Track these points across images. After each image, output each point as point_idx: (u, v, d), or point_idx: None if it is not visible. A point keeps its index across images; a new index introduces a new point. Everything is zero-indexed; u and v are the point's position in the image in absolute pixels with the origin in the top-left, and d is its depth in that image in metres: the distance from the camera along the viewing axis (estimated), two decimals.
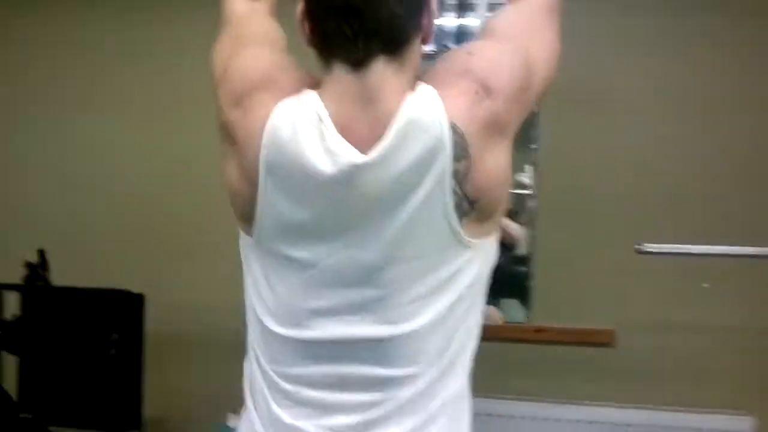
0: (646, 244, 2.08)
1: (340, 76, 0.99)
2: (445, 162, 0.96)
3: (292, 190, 0.99)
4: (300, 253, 1.01)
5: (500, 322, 2.60)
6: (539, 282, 2.61)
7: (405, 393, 1.00)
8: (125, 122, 2.93)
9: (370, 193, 0.97)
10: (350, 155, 0.96)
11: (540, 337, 2.57)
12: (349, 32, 0.95)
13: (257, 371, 1.09)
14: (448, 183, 0.97)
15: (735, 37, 2.53)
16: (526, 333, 2.58)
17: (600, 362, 2.58)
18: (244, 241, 1.09)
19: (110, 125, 2.93)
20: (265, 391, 1.06)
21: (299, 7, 1.03)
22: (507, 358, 2.50)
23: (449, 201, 0.97)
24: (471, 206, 0.99)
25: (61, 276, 2.61)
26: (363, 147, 0.97)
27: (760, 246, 2.05)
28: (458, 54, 1.06)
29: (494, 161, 1.00)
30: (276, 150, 0.99)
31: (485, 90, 0.99)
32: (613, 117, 2.57)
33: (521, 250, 2.60)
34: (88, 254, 2.85)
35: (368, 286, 0.99)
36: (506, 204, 1.07)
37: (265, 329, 1.06)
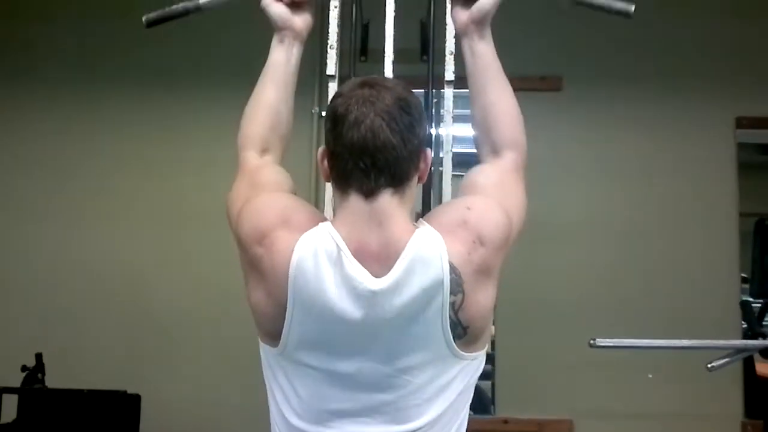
0: (598, 339, 2.38)
1: (355, 203, 1.19)
2: (444, 294, 1.16)
3: (316, 315, 1.17)
4: (322, 363, 1.19)
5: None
6: (502, 379, 2.91)
7: None
8: (121, 229, 3.14)
9: (383, 315, 1.16)
10: (367, 281, 1.15)
11: (506, 428, 2.83)
12: (363, 168, 1.17)
13: None
14: (446, 311, 1.17)
15: (670, 159, 3.01)
16: (494, 425, 2.84)
17: None
18: (268, 352, 1.25)
19: (107, 232, 3.13)
20: None
21: (320, 150, 1.25)
22: None
23: (447, 325, 1.18)
24: (464, 331, 1.20)
25: (57, 379, 2.73)
26: (374, 265, 1.16)
27: (695, 338, 2.38)
28: (458, 206, 1.28)
29: (483, 297, 1.21)
30: (303, 285, 1.16)
31: (480, 241, 1.20)
32: (556, 240, 2.96)
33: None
34: (83, 357, 2.99)
35: (381, 392, 1.19)
36: (491, 327, 1.31)
37: (291, 426, 1.23)
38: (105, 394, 2.66)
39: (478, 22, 1.39)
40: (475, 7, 1.39)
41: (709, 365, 2.33)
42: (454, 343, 1.19)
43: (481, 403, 2.91)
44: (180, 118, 3.14)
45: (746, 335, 2.72)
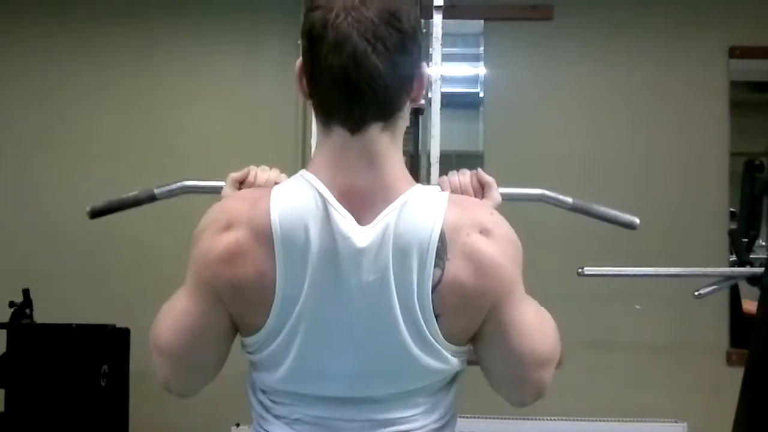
0: (586, 268, 2.38)
1: (340, 139, 1.04)
2: (425, 259, 1.01)
3: (305, 278, 1.02)
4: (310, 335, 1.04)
5: None
6: None
7: None
8: (109, 163, 3.10)
9: (367, 271, 1.01)
10: (351, 234, 1.00)
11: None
12: (346, 101, 1.01)
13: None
14: (424, 281, 1.01)
15: (662, 91, 2.98)
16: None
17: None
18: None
19: (93, 166, 3.10)
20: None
21: (298, 64, 1.07)
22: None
23: (423, 295, 1.01)
24: (436, 317, 1.03)
25: (46, 315, 2.73)
26: (360, 210, 1.02)
27: (680, 266, 2.40)
28: (484, 207, 1.13)
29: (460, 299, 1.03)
30: (289, 239, 1.01)
31: (483, 231, 1.04)
32: (544, 171, 2.95)
33: None
34: (71, 292, 2.99)
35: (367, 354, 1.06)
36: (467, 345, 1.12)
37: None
38: (94, 328, 2.66)
39: None
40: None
41: (696, 292, 2.34)
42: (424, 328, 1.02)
43: None
44: (161, 55, 3.09)
45: (733, 266, 2.74)
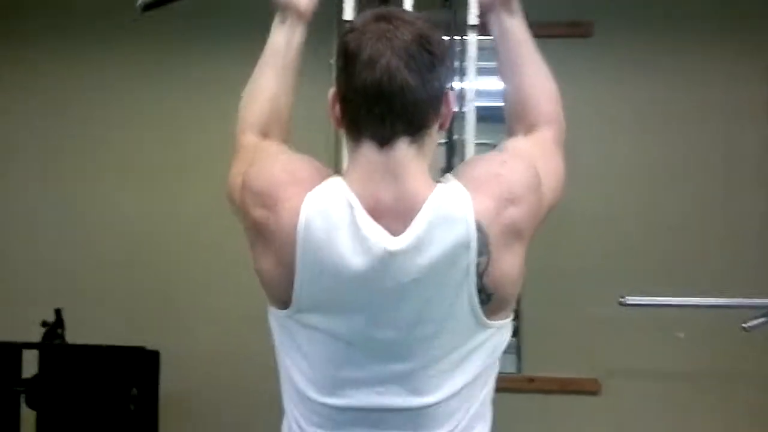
0: (627, 297, 2.29)
1: (368, 153, 1.08)
2: (470, 256, 1.05)
3: (329, 278, 1.07)
4: (333, 327, 1.09)
5: None
6: (527, 335, 2.82)
7: None
8: (138, 183, 3.09)
9: (401, 278, 1.05)
10: (383, 241, 1.04)
11: (531, 386, 2.77)
12: (378, 114, 1.06)
13: None
14: (472, 274, 1.06)
15: (704, 109, 2.87)
16: (519, 383, 2.77)
17: (586, 409, 2.79)
18: (276, 315, 1.15)
19: (124, 186, 3.09)
20: None
21: (331, 92, 1.12)
22: (496, 407, 2.67)
23: (473, 289, 1.07)
24: (488, 297, 1.09)
25: (76, 334, 2.71)
26: (391, 222, 1.06)
27: (729, 295, 2.29)
28: (491, 159, 1.18)
29: (510, 261, 1.10)
30: (312, 245, 1.06)
31: (512, 198, 1.09)
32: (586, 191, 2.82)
33: None
34: (103, 311, 2.97)
35: (397, 360, 1.09)
36: (518, 295, 1.18)
37: (302, 394, 1.14)
38: (124, 350, 2.64)
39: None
40: None
41: (744, 325, 2.23)
42: (480, 310, 1.09)
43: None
44: (183, 69, 3.05)
45: None
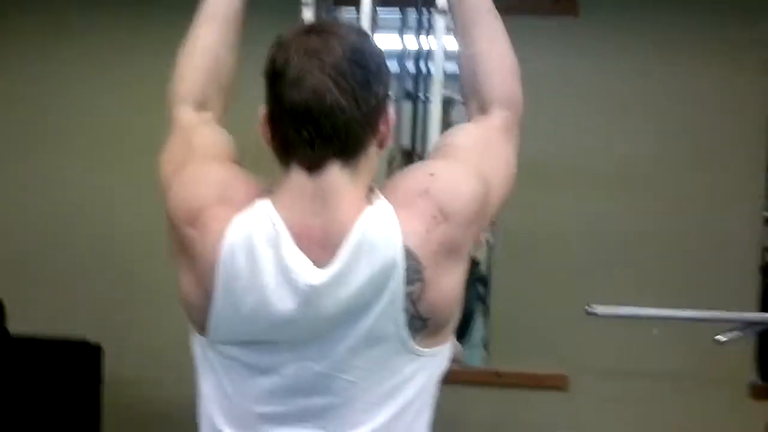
0: (595, 306, 2.17)
1: (297, 178, 1.01)
2: (397, 283, 0.98)
3: (249, 310, 1.00)
4: (252, 359, 1.03)
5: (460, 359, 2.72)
6: (496, 330, 2.74)
7: None
8: (78, 166, 2.91)
9: (324, 311, 0.99)
10: (307, 274, 0.98)
11: (499, 381, 2.71)
12: (306, 137, 0.98)
13: None
14: (400, 303, 0.99)
15: (695, 99, 2.68)
16: (486, 377, 2.71)
17: (553, 404, 2.72)
18: (197, 339, 1.08)
19: (64, 165, 2.91)
20: None
21: (261, 112, 1.05)
22: (464, 401, 2.62)
23: (401, 319, 1.00)
24: (424, 323, 1.01)
25: (17, 323, 2.61)
26: (319, 252, 0.99)
27: (705, 305, 2.18)
28: (419, 173, 1.08)
29: (448, 282, 1.02)
30: (233, 274, 1.00)
31: (443, 214, 1.01)
32: (563, 182, 2.71)
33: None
34: (44, 301, 2.83)
35: (320, 394, 1.02)
36: (458, 316, 1.10)
37: (215, 429, 1.08)
38: (66, 344, 2.56)
39: None
40: None
41: (717, 337, 2.13)
42: (410, 339, 1.01)
43: None
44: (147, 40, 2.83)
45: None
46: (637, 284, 2.58)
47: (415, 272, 0.99)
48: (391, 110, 1.06)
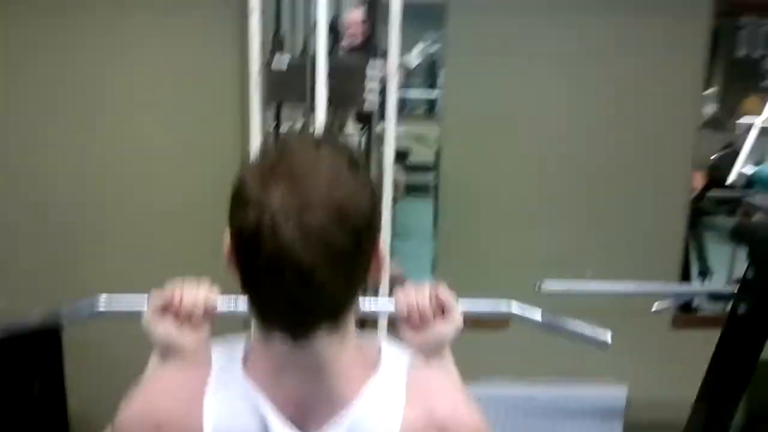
0: (546, 282, 2.27)
1: (280, 348, 0.91)
2: None
3: None
4: None
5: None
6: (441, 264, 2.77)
7: None
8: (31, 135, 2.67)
9: None
10: None
11: None
12: (289, 310, 0.86)
13: None
14: None
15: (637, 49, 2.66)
16: None
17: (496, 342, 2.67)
18: None
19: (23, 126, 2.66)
20: None
21: (226, 242, 0.88)
22: None
23: None
24: None
25: None
26: (309, 426, 0.91)
27: (645, 281, 2.33)
28: (455, 395, 0.99)
29: None
30: None
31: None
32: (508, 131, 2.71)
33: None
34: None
35: None
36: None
37: None
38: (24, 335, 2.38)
39: (432, 350, 1.17)
40: (430, 334, 1.17)
41: (652, 310, 2.37)
42: None
43: None
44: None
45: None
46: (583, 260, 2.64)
47: None
48: (381, 248, 0.92)
